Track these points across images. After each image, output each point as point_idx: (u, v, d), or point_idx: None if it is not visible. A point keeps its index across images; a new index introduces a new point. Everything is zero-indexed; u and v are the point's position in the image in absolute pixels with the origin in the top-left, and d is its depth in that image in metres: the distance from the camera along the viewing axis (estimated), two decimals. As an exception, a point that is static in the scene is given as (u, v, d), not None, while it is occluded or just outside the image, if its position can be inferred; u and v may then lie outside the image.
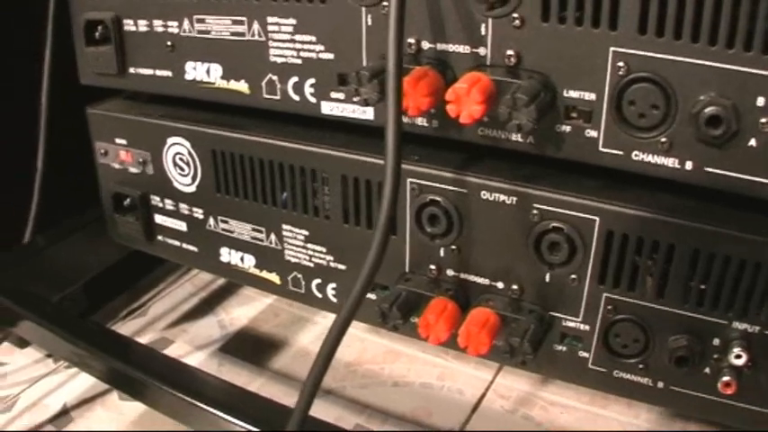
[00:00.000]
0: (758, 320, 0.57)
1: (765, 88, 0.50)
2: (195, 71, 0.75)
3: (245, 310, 1.05)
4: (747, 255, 0.55)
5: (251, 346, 0.98)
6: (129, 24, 0.77)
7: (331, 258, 0.73)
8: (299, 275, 0.76)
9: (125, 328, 1.01)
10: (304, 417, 0.61)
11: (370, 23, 0.63)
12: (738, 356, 0.57)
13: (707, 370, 0.60)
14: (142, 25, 0.76)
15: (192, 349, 0.97)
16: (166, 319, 1.03)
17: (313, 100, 0.69)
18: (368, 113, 0.66)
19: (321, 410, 0.85)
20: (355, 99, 0.61)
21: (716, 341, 0.59)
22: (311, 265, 0.75)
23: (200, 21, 0.72)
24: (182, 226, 0.83)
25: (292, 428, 0.60)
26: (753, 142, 0.52)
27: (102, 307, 1.04)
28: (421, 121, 0.64)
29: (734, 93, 0.51)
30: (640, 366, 0.62)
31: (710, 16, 0.50)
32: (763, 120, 0.51)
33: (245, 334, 1.00)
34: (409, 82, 0.58)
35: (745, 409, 0.60)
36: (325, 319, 1.01)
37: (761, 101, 0.51)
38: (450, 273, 0.67)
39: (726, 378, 0.58)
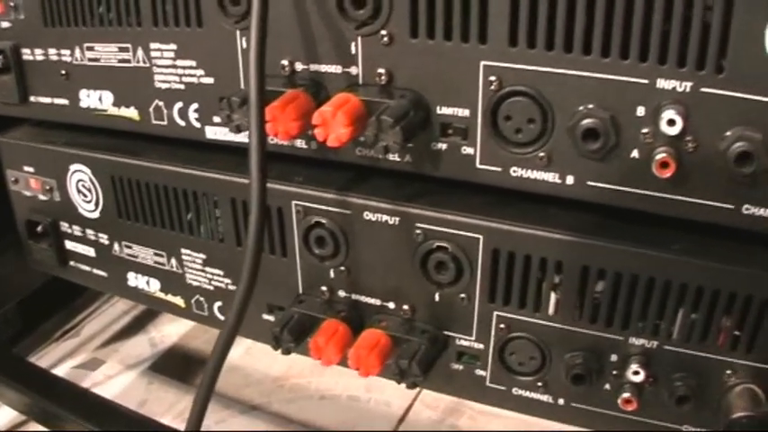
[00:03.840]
0: (656, 336, 0.52)
1: (645, 97, 0.45)
2: (89, 98, 0.69)
3: (175, 327, 0.99)
4: (639, 269, 0.50)
5: (180, 364, 0.92)
6: (26, 54, 0.71)
7: (229, 281, 0.68)
8: (202, 299, 0.71)
9: (59, 349, 0.96)
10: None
11: (245, 46, 0.57)
12: (636, 373, 0.53)
13: (607, 386, 0.55)
14: (38, 54, 0.70)
15: (122, 369, 0.92)
16: (99, 339, 0.98)
17: (197, 125, 0.63)
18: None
19: (247, 426, 0.81)
20: (228, 125, 0.55)
21: (613, 357, 0.54)
22: (211, 288, 0.69)
23: (90, 48, 0.66)
24: (90, 251, 0.76)
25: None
26: (635, 154, 0.47)
27: (37, 328, 0.98)
28: (300, 143, 0.59)
29: (612, 103, 0.46)
30: (539, 384, 0.57)
31: (583, 25, 0.45)
32: (645, 130, 0.46)
33: (175, 351, 0.95)
34: (277, 107, 0.52)
35: (648, 424, 0.55)
36: (254, 334, 0.96)
37: (641, 110, 0.46)
38: (341, 294, 0.61)
39: (626, 395, 0.54)
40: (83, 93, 0.69)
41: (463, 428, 0.80)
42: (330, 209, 0.58)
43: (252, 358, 0.91)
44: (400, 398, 0.85)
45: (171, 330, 0.99)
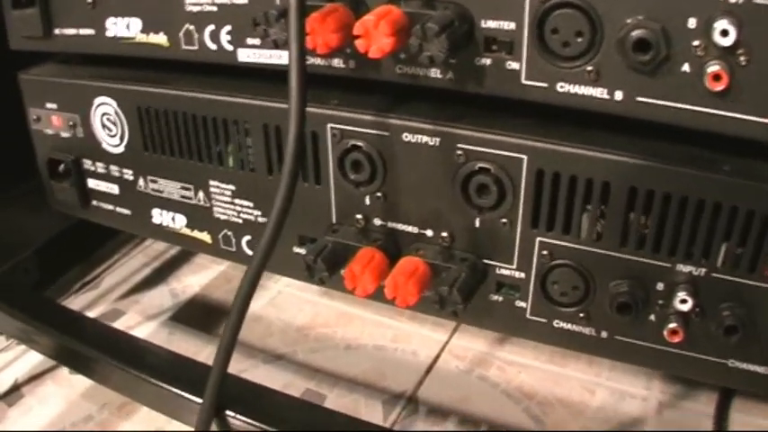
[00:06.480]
0: (704, 263, 0.51)
1: (697, 8, 0.45)
2: (116, 27, 0.69)
3: (197, 278, 0.99)
4: (689, 191, 0.50)
5: (202, 314, 0.92)
6: (50, -17, 0.71)
7: (259, 213, 0.68)
8: (230, 233, 0.71)
9: (78, 300, 0.96)
10: (222, 375, 0.56)
11: (281, -39, 0.57)
12: (684, 301, 0.52)
13: (652, 317, 0.55)
14: (63, -18, 0.70)
15: (142, 319, 0.91)
16: (119, 291, 0.98)
17: (230, 48, 0.63)
18: (284, 58, 0.60)
19: (270, 376, 0.81)
20: (264, 41, 0.55)
21: (660, 286, 0.54)
22: (240, 221, 0.69)
23: (117, -27, 0.66)
24: (113, 189, 0.77)
25: (211, 388, 0.55)
26: (686, 68, 0.46)
27: (56, 280, 0.98)
28: (337, 63, 0.58)
29: (663, 14, 0.46)
30: (581, 315, 0.57)
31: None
32: (696, 42, 0.45)
33: (197, 302, 0.95)
34: (316, 18, 0.52)
35: (694, 358, 0.55)
36: (277, 284, 0.96)
37: (692, 22, 0.45)
38: (377, 222, 0.61)
39: (672, 325, 0.53)
40: (110, 21, 0.69)
41: (492, 379, 0.80)
42: (368, 131, 0.58)
43: (276, 309, 0.91)
44: (428, 347, 0.84)
45: (192, 281, 0.98)
